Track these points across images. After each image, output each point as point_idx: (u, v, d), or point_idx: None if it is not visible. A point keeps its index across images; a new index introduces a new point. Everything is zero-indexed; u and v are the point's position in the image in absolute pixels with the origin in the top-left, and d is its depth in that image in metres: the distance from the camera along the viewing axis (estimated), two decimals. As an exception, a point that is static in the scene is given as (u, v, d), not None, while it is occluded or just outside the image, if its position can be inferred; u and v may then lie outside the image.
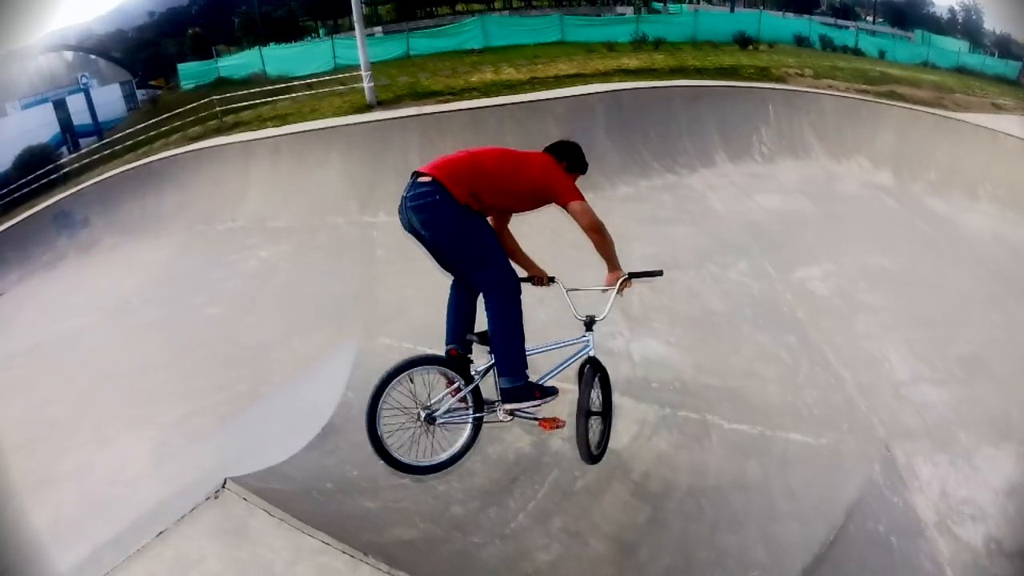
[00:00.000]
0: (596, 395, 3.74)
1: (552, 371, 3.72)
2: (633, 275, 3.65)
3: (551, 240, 5.76)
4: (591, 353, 3.70)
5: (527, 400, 3.43)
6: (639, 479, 4.49)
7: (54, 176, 14.99)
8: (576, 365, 3.77)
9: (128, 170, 12.49)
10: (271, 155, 11.26)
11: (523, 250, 3.94)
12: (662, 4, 22.07)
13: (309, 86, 15.14)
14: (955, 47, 20.76)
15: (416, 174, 3.39)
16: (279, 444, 4.64)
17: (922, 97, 15.23)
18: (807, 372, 5.60)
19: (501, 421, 3.56)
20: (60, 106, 17.49)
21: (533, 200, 3.53)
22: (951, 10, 21.52)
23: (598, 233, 3.46)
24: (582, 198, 3.43)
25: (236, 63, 19.37)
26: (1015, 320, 6.38)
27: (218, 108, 14.80)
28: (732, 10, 21.32)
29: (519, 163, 3.52)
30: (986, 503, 4.39)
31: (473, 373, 3.52)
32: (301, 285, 7.88)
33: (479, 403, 3.51)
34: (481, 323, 3.62)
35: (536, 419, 3.56)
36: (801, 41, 20.46)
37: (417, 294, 6.45)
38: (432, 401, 3.38)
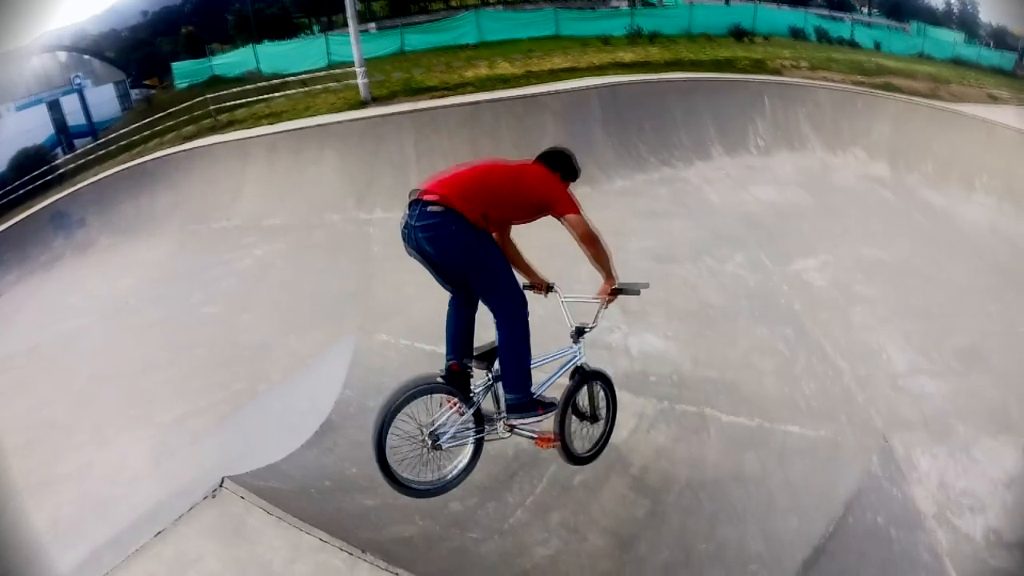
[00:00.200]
0: (583, 399, 3.81)
1: (545, 382, 3.76)
2: (616, 290, 3.68)
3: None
4: (579, 363, 3.75)
5: (531, 413, 3.46)
6: (638, 473, 4.49)
7: (50, 177, 14.91)
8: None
9: (123, 170, 12.44)
10: (266, 153, 11.22)
11: (524, 258, 3.94)
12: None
13: (303, 83, 15.06)
14: (951, 38, 20.74)
15: (421, 200, 3.23)
16: (277, 442, 4.64)
17: (918, 89, 15.23)
18: (804, 364, 5.61)
19: (500, 437, 3.60)
20: (54, 107, 17.40)
21: (533, 212, 3.53)
22: (947, 1, 21.53)
23: (593, 245, 3.46)
24: (578, 210, 3.43)
25: (230, 61, 19.26)
26: (1012, 311, 6.39)
27: (212, 107, 14.72)
28: (727, 3, 21.22)
29: (519, 177, 3.50)
30: (985, 494, 4.40)
31: (472, 392, 3.51)
32: (298, 283, 7.86)
33: (480, 421, 3.51)
34: (478, 340, 3.64)
35: (533, 436, 3.60)
36: (796, 33, 20.43)
37: (415, 291, 6.43)
38: (436, 425, 3.36)
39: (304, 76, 15.44)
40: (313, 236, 9.28)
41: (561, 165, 3.73)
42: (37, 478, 5.18)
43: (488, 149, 10.23)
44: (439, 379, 3.41)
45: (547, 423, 3.63)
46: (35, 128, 16.75)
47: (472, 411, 3.44)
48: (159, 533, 3.48)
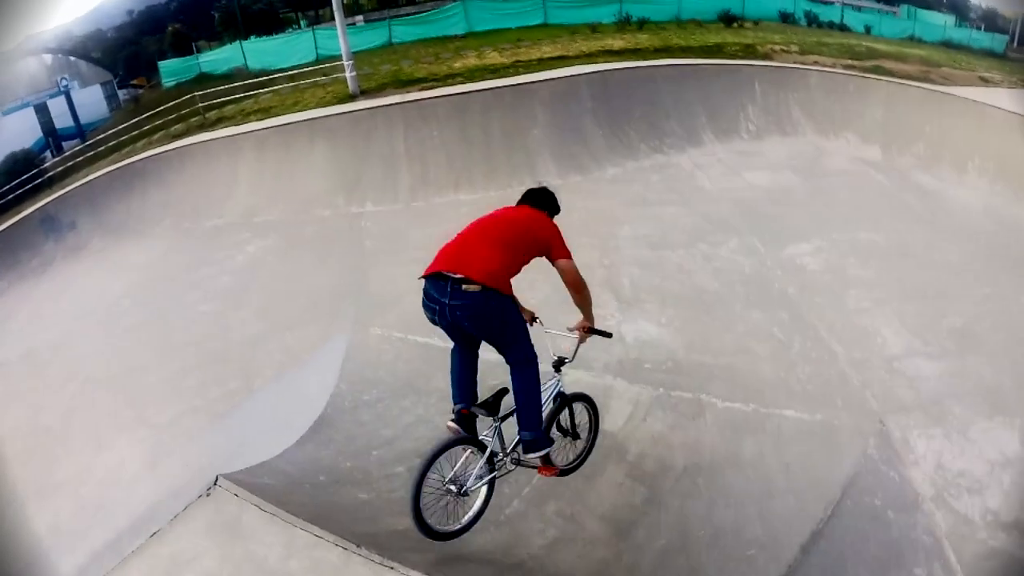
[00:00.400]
0: (565, 420, 4.06)
1: None
2: (591, 329, 3.85)
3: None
4: (560, 389, 3.96)
5: (544, 448, 3.58)
6: (634, 460, 4.49)
7: (39, 181, 14.82)
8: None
9: (113, 171, 12.39)
10: (256, 150, 11.18)
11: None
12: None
13: (291, 78, 14.94)
14: (941, 21, 20.68)
15: (455, 278, 3.25)
16: (272, 439, 4.64)
17: (909, 72, 15.18)
18: (800, 348, 5.60)
19: (508, 470, 3.74)
20: (41, 110, 17.27)
21: (533, 257, 3.63)
22: (936, -16, 21.46)
23: (579, 291, 3.61)
24: (571, 256, 3.58)
25: (217, 58, 19.13)
26: (1006, 292, 6.39)
27: (200, 104, 14.61)
28: (716, -12, 21.15)
29: (528, 227, 3.61)
30: (982, 475, 4.40)
31: (482, 436, 3.62)
32: (291, 279, 7.84)
33: (491, 461, 3.62)
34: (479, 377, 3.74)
35: (536, 467, 3.72)
36: (786, 18, 20.34)
37: (407, 284, 6.37)
38: (459, 474, 3.45)
39: (292, 71, 15.30)
40: (305, 232, 9.25)
41: (547, 204, 3.93)
42: (36, 486, 5.20)
43: (478, 139, 10.21)
44: (456, 433, 3.53)
45: None
46: (23, 132, 16.63)
47: (486, 455, 3.54)
48: (155, 533, 3.48)
